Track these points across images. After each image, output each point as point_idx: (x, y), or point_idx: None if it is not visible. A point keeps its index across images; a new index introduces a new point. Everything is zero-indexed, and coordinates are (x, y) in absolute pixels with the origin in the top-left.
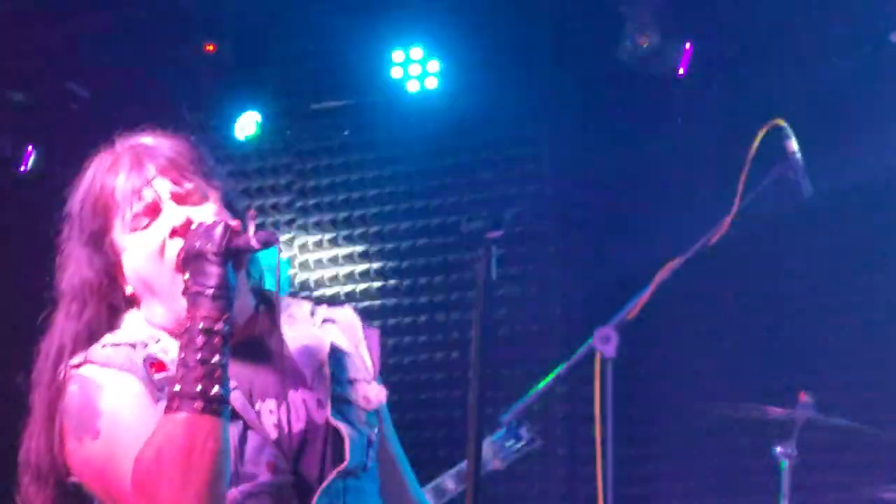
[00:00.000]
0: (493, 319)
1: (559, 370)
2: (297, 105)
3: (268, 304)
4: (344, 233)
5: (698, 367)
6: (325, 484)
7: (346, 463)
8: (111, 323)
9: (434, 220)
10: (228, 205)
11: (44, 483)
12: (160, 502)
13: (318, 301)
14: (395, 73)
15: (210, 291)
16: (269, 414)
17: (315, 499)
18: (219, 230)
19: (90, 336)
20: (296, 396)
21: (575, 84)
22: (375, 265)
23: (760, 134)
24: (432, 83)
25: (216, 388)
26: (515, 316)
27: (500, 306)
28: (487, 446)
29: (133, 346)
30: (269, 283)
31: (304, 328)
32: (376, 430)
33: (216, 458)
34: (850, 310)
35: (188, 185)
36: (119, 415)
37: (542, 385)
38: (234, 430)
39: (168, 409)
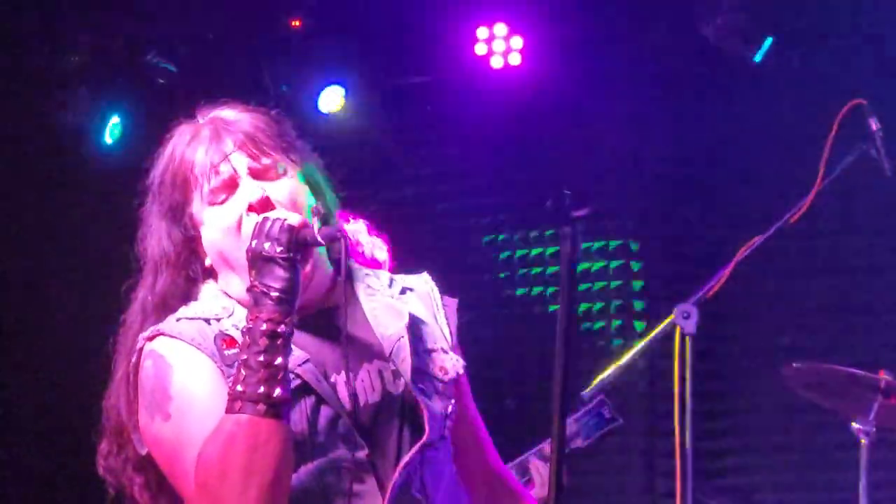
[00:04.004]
0: (576, 295)
1: (640, 346)
2: (381, 80)
3: (346, 277)
4: (427, 208)
5: (779, 343)
6: (406, 458)
7: (426, 437)
8: (189, 293)
9: (517, 196)
10: (308, 180)
11: (122, 448)
12: (222, 502)
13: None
14: (479, 49)
15: (275, 294)
16: (343, 386)
17: (395, 473)
18: (286, 232)
19: (168, 307)
20: (371, 368)
21: (657, 59)
22: (454, 238)
23: (842, 112)
24: (516, 59)
25: (278, 391)
26: (597, 292)
27: (582, 282)
28: (571, 425)
29: (207, 320)
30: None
31: (382, 299)
32: (453, 401)
33: (277, 460)
34: None
35: (266, 161)
36: (189, 400)
37: (622, 361)
38: (306, 403)
39: (230, 409)
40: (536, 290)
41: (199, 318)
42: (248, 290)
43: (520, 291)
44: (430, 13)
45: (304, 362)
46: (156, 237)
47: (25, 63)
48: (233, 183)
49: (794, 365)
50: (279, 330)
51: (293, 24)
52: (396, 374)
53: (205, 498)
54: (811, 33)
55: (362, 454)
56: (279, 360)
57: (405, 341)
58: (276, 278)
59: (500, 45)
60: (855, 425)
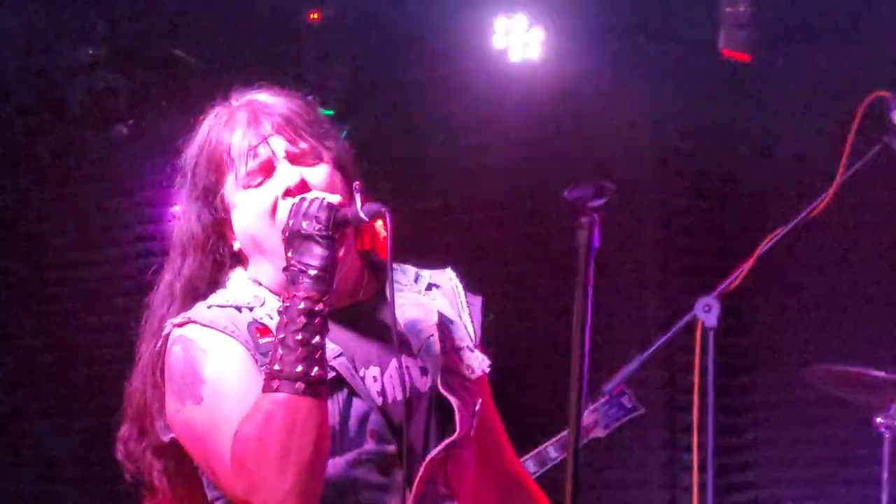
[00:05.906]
0: (594, 288)
1: (661, 339)
2: (399, 72)
3: (374, 270)
4: (445, 200)
5: (800, 337)
6: (433, 453)
7: (457, 433)
8: (216, 278)
9: (536, 188)
10: (342, 168)
11: (143, 433)
12: (260, 481)
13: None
14: (498, 41)
15: (313, 272)
16: (372, 381)
17: (422, 468)
18: (325, 209)
19: (194, 291)
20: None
21: (678, 52)
22: (476, 233)
23: (864, 105)
24: (535, 52)
25: (316, 370)
26: (616, 285)
27: (601, 275)
28: (589, 415)
29: (238, 308)
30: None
31: (410, 295)
32: (479, 400)
33: (316, 439)
34: None
35: (303, 145)
36: (222, 383)
37: (643, 354)
38: (339, 396)
39: (267, 388)
40: (559, 282)
41: (230, 306)
42: (285, 269)
43: (540, 284)
44: (448, 4)
45: (338, 355)
46: (185, 219)
47: (40, 54)
48: (269, 166)
49: (816, 367)
50: (317, 308)
51: (311, 16)
52: (423, 371)
53: (242, 478)
54: (834, 26)
55: (391, 448)
56: (317, 339)
57: (435, 339)
58: (315, 256)
59: (518, 38)
60: (878, 420)
